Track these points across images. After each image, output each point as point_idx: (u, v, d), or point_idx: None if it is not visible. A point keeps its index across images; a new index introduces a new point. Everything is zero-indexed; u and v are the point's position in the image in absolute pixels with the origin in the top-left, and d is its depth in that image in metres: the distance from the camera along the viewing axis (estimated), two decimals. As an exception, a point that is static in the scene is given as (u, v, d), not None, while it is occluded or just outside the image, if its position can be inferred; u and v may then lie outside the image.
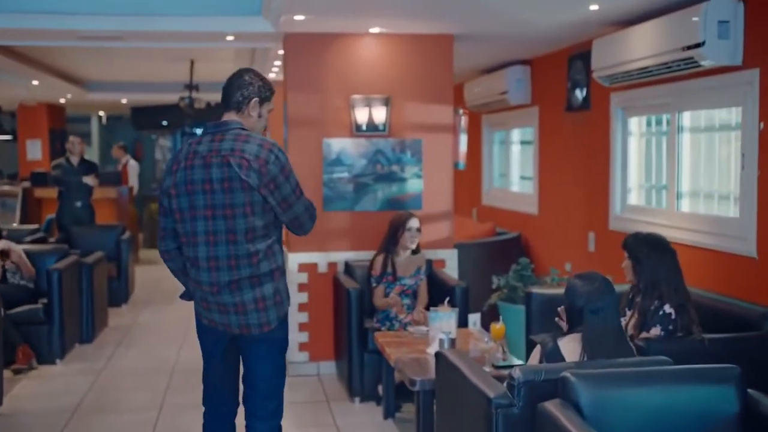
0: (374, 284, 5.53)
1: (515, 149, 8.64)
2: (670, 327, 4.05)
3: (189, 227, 3.32)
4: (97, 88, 12.53)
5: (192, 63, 10.19)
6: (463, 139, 6.49)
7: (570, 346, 3.29)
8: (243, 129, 3.35)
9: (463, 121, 6.48)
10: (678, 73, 4.98)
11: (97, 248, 8.05)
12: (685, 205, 5.36)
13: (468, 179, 9.45)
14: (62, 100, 13.79)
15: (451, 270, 6.20)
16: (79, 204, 9.47)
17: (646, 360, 3.18)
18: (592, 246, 6.49)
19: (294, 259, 6.11)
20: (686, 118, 5.33)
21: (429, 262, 5.85)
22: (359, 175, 6.14)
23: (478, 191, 9.51)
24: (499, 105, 8.09)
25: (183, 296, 3.62)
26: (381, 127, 6.13)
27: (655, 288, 4.12)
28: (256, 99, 3.37)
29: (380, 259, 5.52)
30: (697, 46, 4.57)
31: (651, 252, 4.17)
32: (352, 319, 5.45)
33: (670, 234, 4.84)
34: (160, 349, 7.02)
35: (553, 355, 3.30)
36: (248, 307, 3.33)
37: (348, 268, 6.04)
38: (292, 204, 3.34)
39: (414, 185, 6.20)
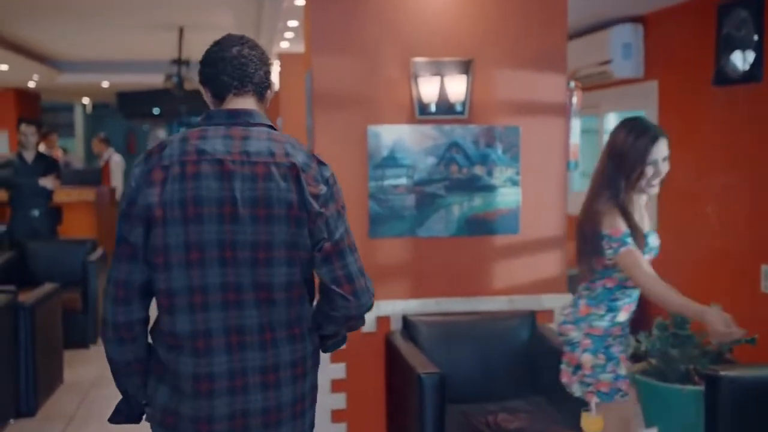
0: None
1: (610, 141, 6.52)
2: None
3: (188, 280, 1.98)
4: (70, 67, 10.53)
5: (181, 32, 8.11)
6: (576, 126, 4.35)
7: None
8: (273, 127, 2.14)
9: (575, 99, 4.34)
10: None
11: (57, 270, 6.53)
12: None
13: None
14: (32, 84, 11.71)
15: (564, 327, 4.06)
16: (36, 212, 7.51)
17: None
18: (768, 285, 4.37)
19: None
20: None
21: (532, 316, 3.75)
22: (425, 181, 4.02)
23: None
24: (595, 80, 5.97)
25: (116, 417, 2.19)
26: (458, 108, 4.00)
27: None
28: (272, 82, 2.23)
29: (616, 214, 2.95)
30: None
31: None
32: (426, 420, 3.34)
33: None
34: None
35: None
36: (284, 414, 2.04)
37: (408, 325, 3.91)
38: (343, 253, 2.06)
39: (508, 197, 4.06)
